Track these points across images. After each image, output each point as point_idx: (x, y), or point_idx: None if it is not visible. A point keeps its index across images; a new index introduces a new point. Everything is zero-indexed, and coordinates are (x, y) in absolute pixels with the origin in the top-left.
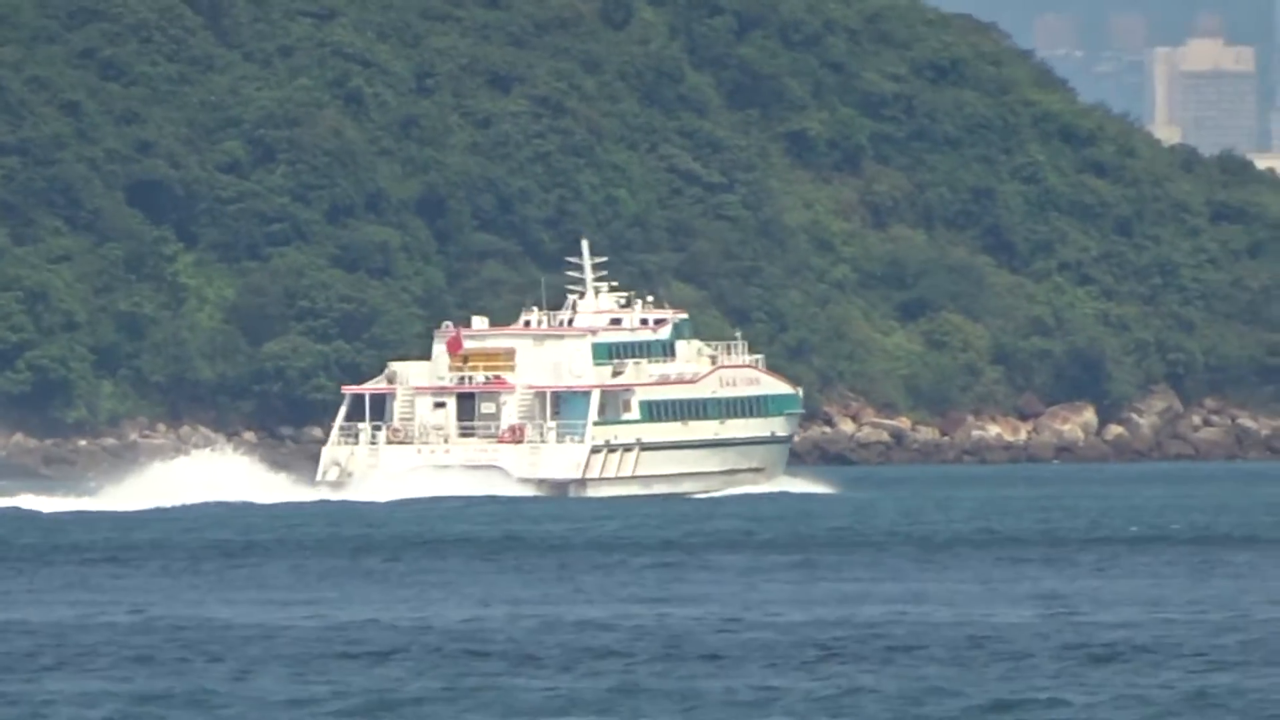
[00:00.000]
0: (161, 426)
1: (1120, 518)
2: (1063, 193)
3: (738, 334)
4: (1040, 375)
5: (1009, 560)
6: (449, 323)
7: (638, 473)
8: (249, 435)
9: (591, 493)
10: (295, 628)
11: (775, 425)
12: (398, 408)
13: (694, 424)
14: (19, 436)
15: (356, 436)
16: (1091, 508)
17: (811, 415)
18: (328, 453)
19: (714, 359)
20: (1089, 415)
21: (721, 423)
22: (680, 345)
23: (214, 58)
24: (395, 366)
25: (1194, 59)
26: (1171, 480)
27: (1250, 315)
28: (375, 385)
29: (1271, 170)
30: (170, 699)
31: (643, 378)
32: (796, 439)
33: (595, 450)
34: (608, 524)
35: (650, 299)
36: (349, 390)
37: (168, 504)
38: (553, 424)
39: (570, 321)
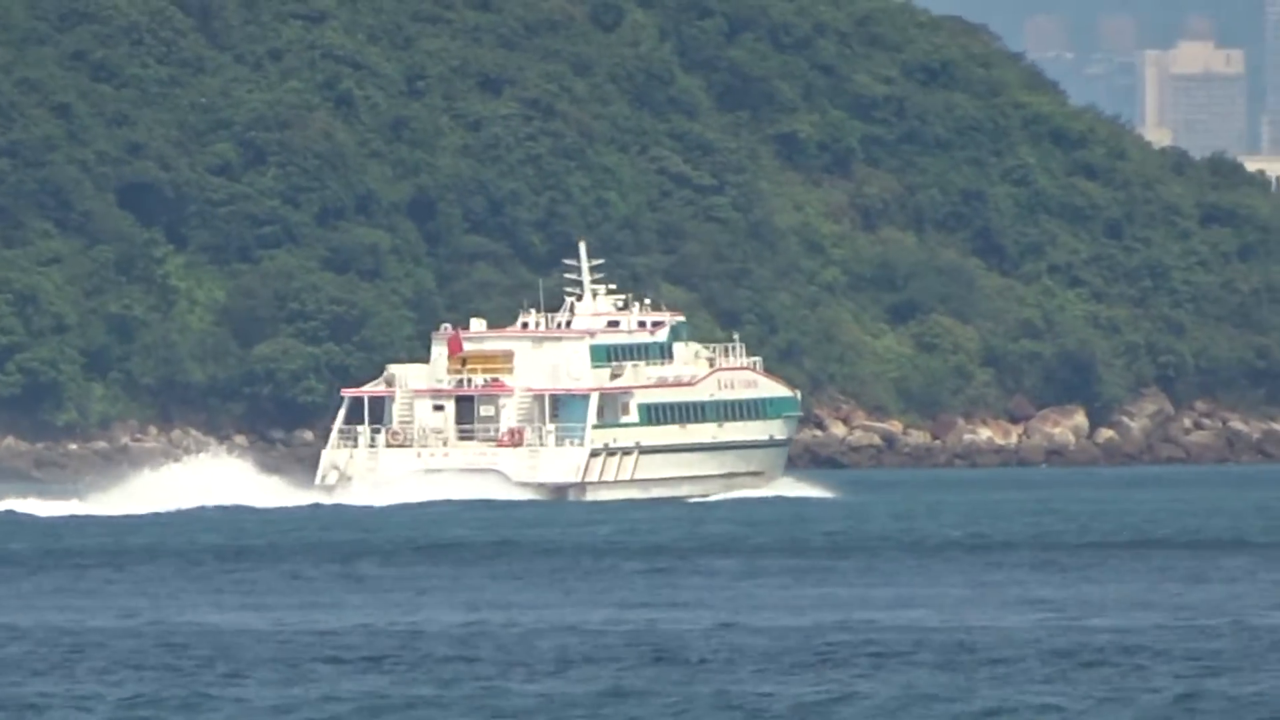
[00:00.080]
0: (152, 429)
1: (1126, 522)
2: (1053, 195)
3: (735, 336)
4: (1031, 378)
5: (1004, 565)
6: (447, 325)
7: (636, 476)
8: (239, 438)
9: (590, 496)
10: (284, 632)
11: (773, 428)
12: (396, 411)
13: (692, 427)
14: (9, 440)
15: (355, 440)
16: (1107, 512)
17: (802, 418)
18: (326, 456)
19: (712, 361)
20: (1080, 418)
21: (720, 426)
22: (678, 347)
23: (204, 60)
24: (394, 369)
25: (1184, 61)
26: (1164, 484)
27: (1241, 318)
28: (374, 388)
29: (1262, 173)
30: (161, 704)
31: (641, 380)
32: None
33: (594, 454)
34: (601, 528)
35: (648, 301)
36: (348, 393)
37: (163, 509)
38: (551, 427)
39: (568, 324)
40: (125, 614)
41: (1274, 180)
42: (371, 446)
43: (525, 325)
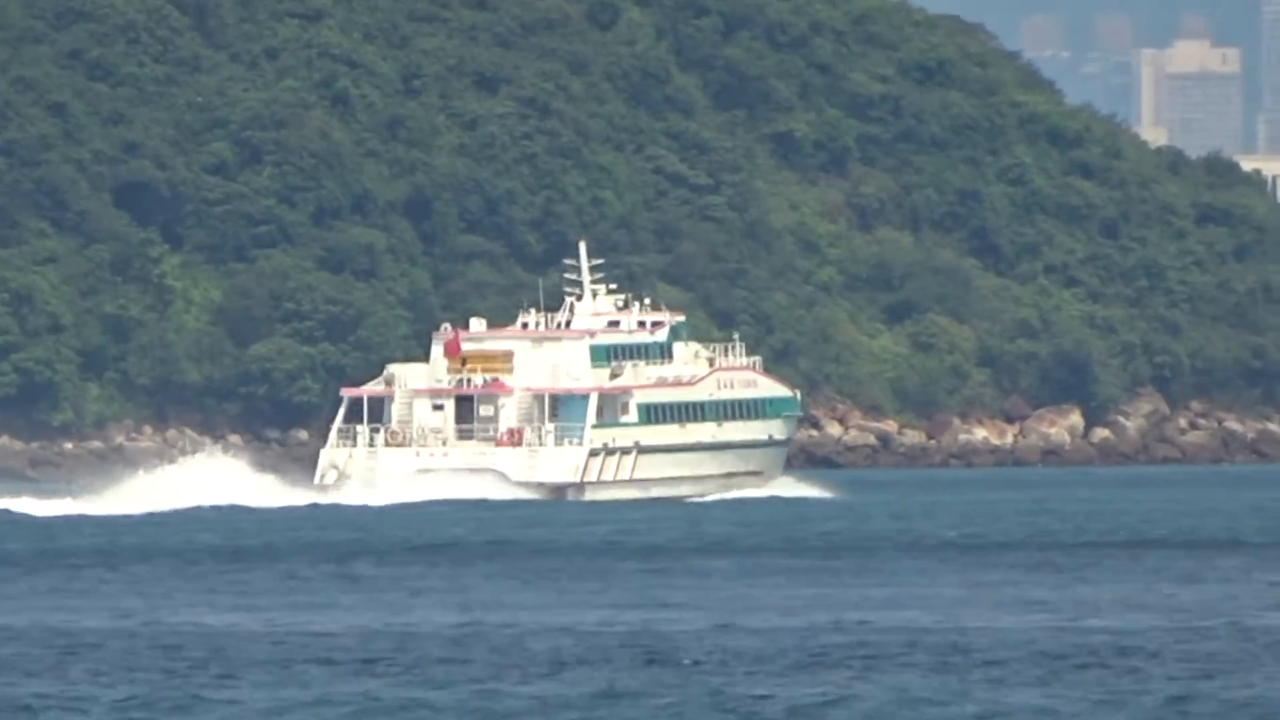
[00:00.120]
0: (148, 429)
1: (1122, 521)
2: (1049, 194)
3: (735, 336)
4: (1026, 378)
5: (1000, 566)
6: (447, 324)
7: (636, 476)
8: (235, 438)
9: (590, 496)
10: (277, 633)
11: (773, 428)
12: (396, 410)
13: (692, 427)
14: (4, 439)
15: (354, 439)
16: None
17: (802, 418)
18: (326, 455)
19: (712, 361)
20: (1075, 418)
21: (719, 425)
22: (678, 347)
23: (201, 59)
24: (393, 369)
25: (1180, 60)
26: (1159, 484)
27: (1236, 318)
28: (373, 388)
29: (1258, 172)
30: (154, 705)
31: (640, 380)
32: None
33: (594, 453)
34: (597, 528)
35: (647, 301)
36: (347, 393)
37: (160, 509)
38: (551, 427)
39: (568, 324)
40: (120, 614)
41: (1270, 180)
42: (370, 446)
43: (525, 325)
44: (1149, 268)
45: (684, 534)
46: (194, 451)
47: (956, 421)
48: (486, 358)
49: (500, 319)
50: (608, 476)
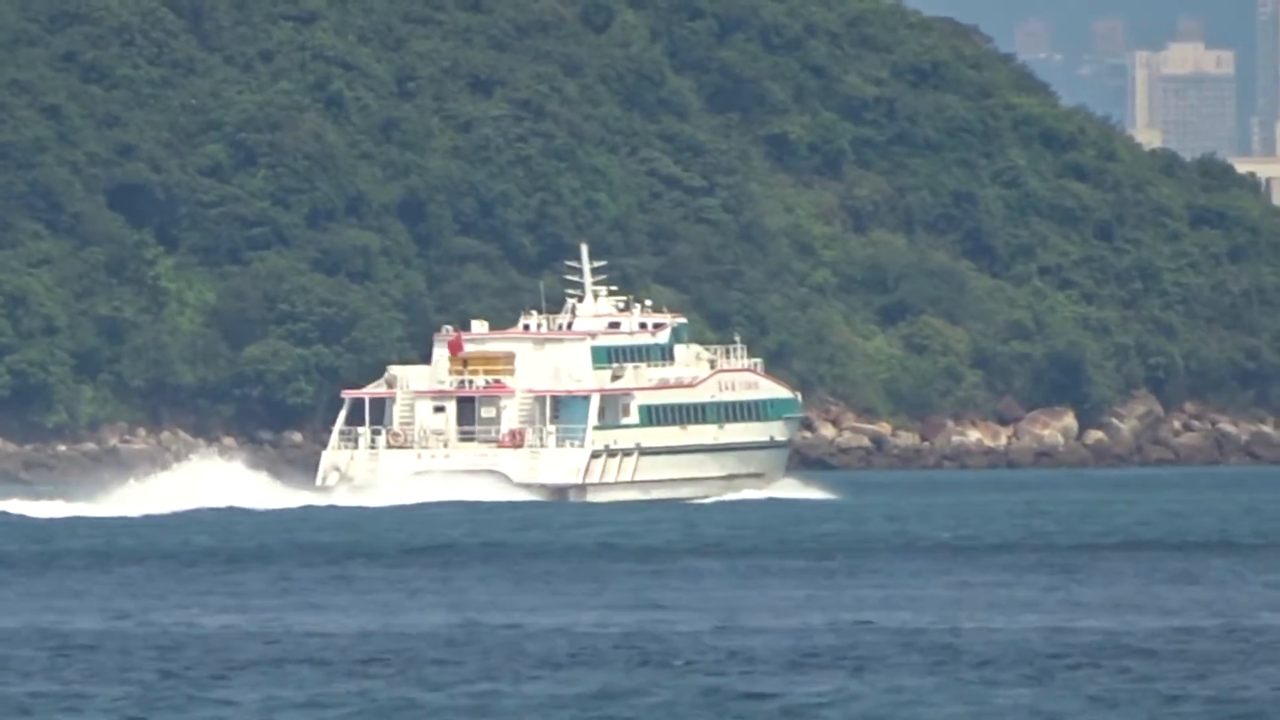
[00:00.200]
0: (142, 431)
1: (1124, 524)
2: (1043, 196)
3: (736, 338)
4: (1020, 379)
5: (998, 567)
6: (448, 326)
7: (637, 478)
8: (229, 440)
9: (592, 498)
10: (271, 634)
11: (774, 430)
12: (397, 412)
13: (693, 428)
14: None
15: (356, 441)
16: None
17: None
18: (327, 457)
19: (713, 363)
20: (1069, 420)
21: (720, 427)
22: (679, 349)
23: (195, 61)
24: (395, 370)
25: (1175, 62)
26: (1153, 486)
27: (1231, 320)
28: (375, 389)
29: (1252, 174)
30: (149, 704)
31: (642, 382)
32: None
33: (595, 455)
34: (595, 530)
35: (648, 303)
36: (349, 394)
37: (160, 510)
38: (552, 428)
39: (569, 325)
40: (115, 615)
41: (1264, 182)
42: (372, 448)
43: (526, 327)
44: (1143, 270)
45: (680, 535)
46: (188, 454)
47: (950, 423)
48: (488, 359)
49: (494, 321)
50: (609, 478)
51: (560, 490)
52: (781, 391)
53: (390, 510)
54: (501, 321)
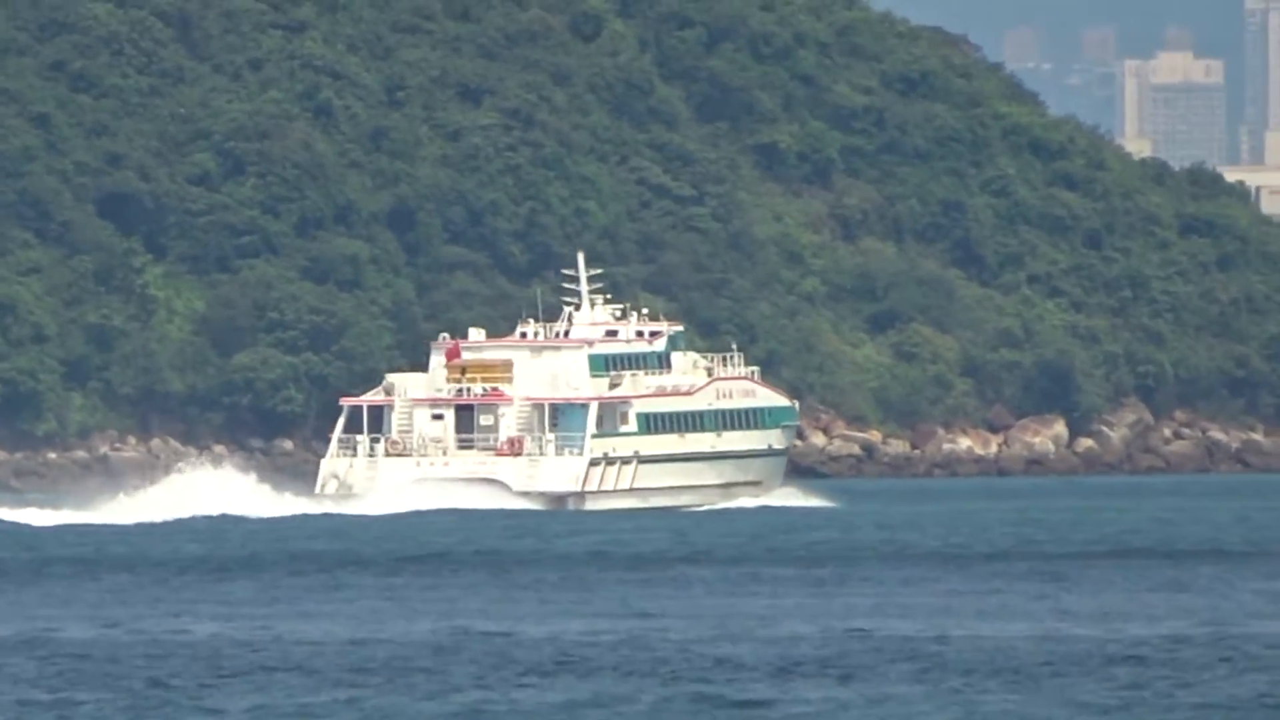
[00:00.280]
0: (131, 439)
1: (1114, 532)
2: (1032, 205)
3: (734, 345)
4: (1010, 388)
5: (990, 575)
6: (445, 335)
7: (635, 486)
8: (219, 448)
9: (590, 506)
10: (258, 642)
11: (772, 438)
12: (396, 420)
13: (691, 436)
14: None
15: (354, 449)
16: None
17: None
18: (326, 465)
19: (710, 371)
20: (1059, 428)
21: (718, 435)
22: (676, 357)
23: (184, 70)
24: (393, 378)
25: (1164, 72)
26: (1144, 494)
27: (1220, 328)
28: (373, 397)
29: (1241, 183)
30: (136, 711)
31: (640, 390)
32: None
33: (593, 463)
34: (585, 539)
35: (645, 311)
36: (347, 402)
37: (153, 519)
38: (551, 436)
39: (567, 333)
40: (105, 623)
41: (1253, 190)
42: (371, 456)
43: (524, 335)
44: (1132, 278)
45: (671, 544)
46: (179, 462)
47: (940, 431)
48: (486, 367)
49: (485, 330)
50: (608, 486)
51: (559, 498)
52: (779, 399)
53: (386, 518)
54: (492, 330)
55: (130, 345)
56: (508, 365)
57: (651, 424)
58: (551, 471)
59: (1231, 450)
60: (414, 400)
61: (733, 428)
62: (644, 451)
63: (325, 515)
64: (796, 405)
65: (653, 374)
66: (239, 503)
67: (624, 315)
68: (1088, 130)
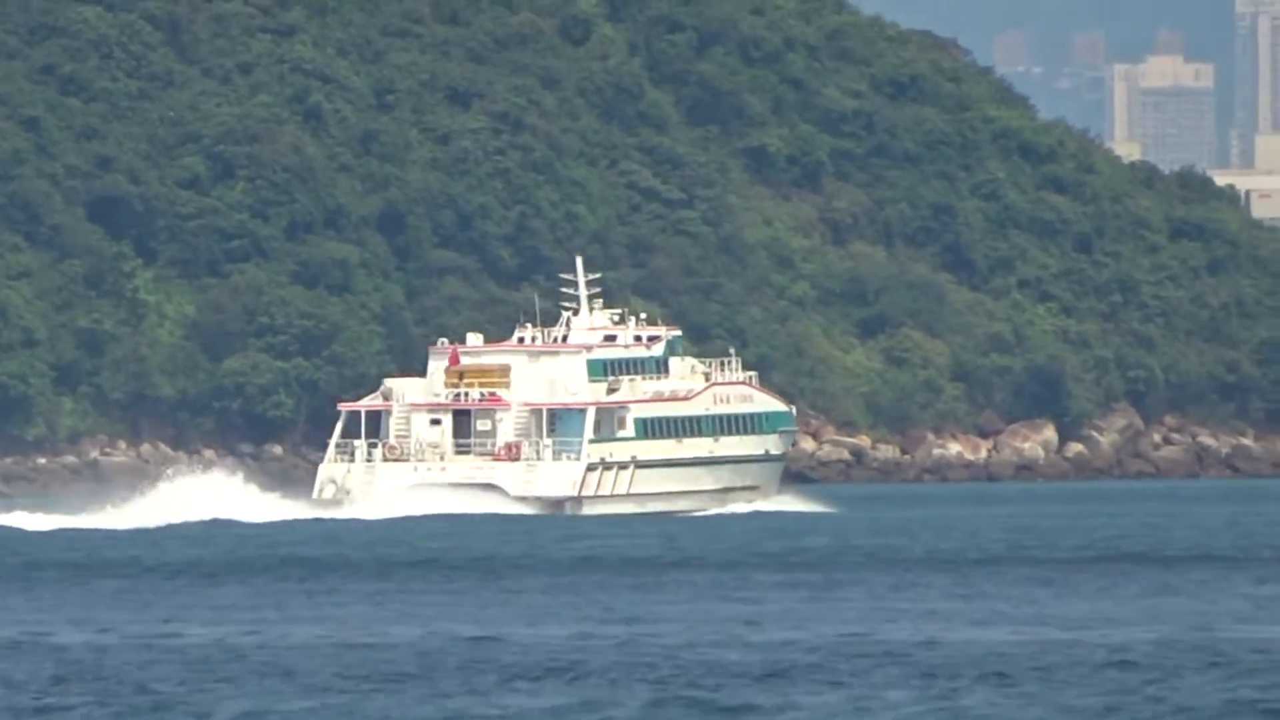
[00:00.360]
0: (122, 444)
1: (1104, 538)
2: (1022, 209)
3: (731, 350)
4: (1000, 392)
5: (985, 580)
6: (444, 339)
7: (633, 491)
8: (209, 453)
9: (587, 511)
10: (245, 646)
11: (769, 443)
12: (393, 425)
13: (688, 441)
14: None
15: (352, 454)
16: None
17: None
18: (323, 470)
19: (708, 376)
20: (1049, 433)
21: (715, 440)
22: (674, 362)
23: (174, 74)
24: (391, 383)
25: (1154, 75)
26: (1134, 499)
27: (1210, 332)
28: (371, 402)
29: (1231, 187)
30: (124, 716)
31: (637, 394)
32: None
33: (591, 468)
34: (576, 544)
35: (643, 316)
36: (345, 407)
37: (148, 524)
38: (548, 441)
39: (564, 338)
40: (97, 628)
41: (1243, 194)
42: (368, 460)
43: (521, 339)
44: (1122, 282)
45: (662, 548)
46: (169, 466)
47: (930, 436)
48: (484, 372)
49: (481, 334)
50: (605, 491)
51: (556, 503)
52: (776, 404)
53: (382, 523)
54: (483, 334)
55: (120, 350)
56: (505, 370)
57: (649, 429)
58: (549, 476)
59: (1221, 455)
60: (412, 405)
61: (730, 433)
62: (641, 456)
63: (317, 520)
64: (793, 410)
65: (650, 379)
66: (232, 507)
67: (622, 320)
68: (1077, 134)
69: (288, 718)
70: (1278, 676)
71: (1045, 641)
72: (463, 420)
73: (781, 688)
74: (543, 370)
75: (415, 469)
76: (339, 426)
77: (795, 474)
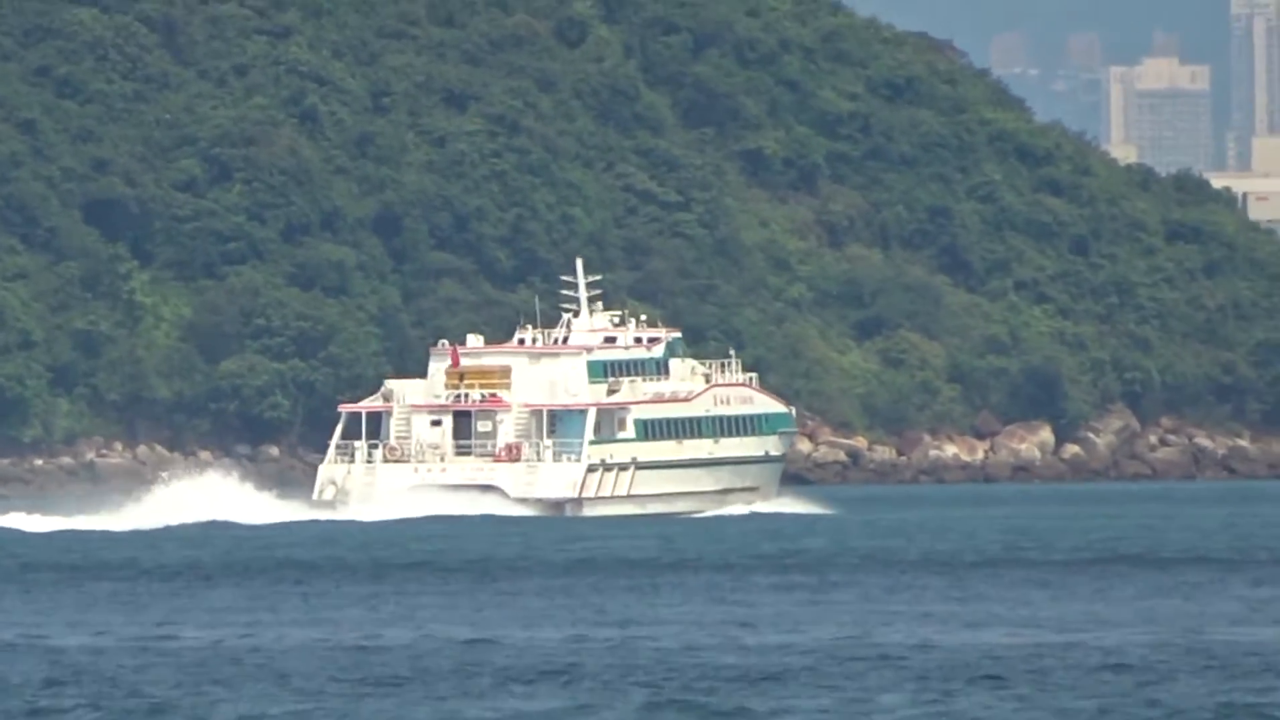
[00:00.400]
0: (118, 445)
1: (1101, 539)
2: (1019, 211)
3: (732, 351)
4: (997, 394)
5: (973, 582)
6: (444, 341)
7: (633, 492)
8: (205, 454)
9: (588, 512)
10: (238, 649)
11: (769, 444)
12: (394, 426)
13: (688, 443)
14: None
15: (353, 455)
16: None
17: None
18: (324, 471)
19: (708, 377)
20: (1046, 434)
21: (716, 441)
22: (674, 363)
23: (170, 76)
24: (391, 384)
25: (1150, 78)
26: (1130, 500)
27: (1206, 334)
28: (371, 403)
29: (1227, 189)
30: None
31: (638, 396)
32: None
33: (591, 469)
34: (573, 546)
35: (643, 318)
36: (345, 408)
37: (145, 526)
38: (549, 443)
39: (565, 340)
40: (93, 630)
41: (1239, 196)
42: (369, 462)
43: (522, 341)
44: (1119, 284)
45: (658, 551)
46: (166, 468)
47: (927, 438)
48: (484, 373)
49: (481, 336)
50: (605, 492)
51: (557, 504)
52: (776, 406)
53: (378, 525)
54: (488, 336)
55: (117, 351)
56: (506, 371)
57: (649, 430)
58: (549, 478)
59: (1217, 457)
60: (412, 406)
61: (730, 434)
62: (642, 458)
63: (314, 522)
64: (793, 412)
65: (651, 380)
66: (229, 509)
67: (622, 322)
68: (1074, 136)
69: (285, 717)
70: (1273, 679)
71: (1040, 644)
72: (463, 421)
73: (776, 691)
74: (543, 372)
75: (415, 470)
76: (339, 427)
77: (792, 475)
